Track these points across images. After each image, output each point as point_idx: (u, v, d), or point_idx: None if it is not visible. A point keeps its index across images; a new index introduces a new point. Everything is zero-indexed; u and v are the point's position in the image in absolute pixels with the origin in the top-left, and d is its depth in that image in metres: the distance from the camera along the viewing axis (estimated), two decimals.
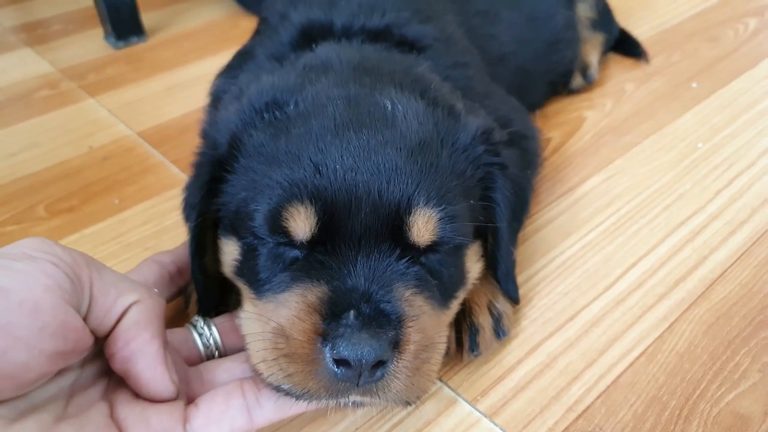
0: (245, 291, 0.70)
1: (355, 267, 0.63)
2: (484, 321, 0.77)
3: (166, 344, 0.65)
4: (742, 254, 0.94)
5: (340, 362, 0.58)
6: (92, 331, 0.61)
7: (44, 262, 0.57)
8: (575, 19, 1.29)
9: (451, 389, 0.76)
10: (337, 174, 0.64)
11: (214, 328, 0.75)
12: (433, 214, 0.64)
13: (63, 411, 0.59)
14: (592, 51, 1.37)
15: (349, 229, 0.63)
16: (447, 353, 0.76)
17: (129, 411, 0.61)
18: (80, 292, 0.59)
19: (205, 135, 0.75)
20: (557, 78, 1.27)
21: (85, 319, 0.60)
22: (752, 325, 0.83)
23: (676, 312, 0.85)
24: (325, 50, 0.82)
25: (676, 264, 0.92)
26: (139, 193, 1.13)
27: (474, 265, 0.75)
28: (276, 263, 0.66)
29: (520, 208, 0.84)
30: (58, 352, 0.55)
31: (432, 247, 0.66)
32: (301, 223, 0.63)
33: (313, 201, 0.63)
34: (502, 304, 0.80)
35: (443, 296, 0.68)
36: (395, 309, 0.61)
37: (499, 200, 0.74)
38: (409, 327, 0.62)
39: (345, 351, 0.57)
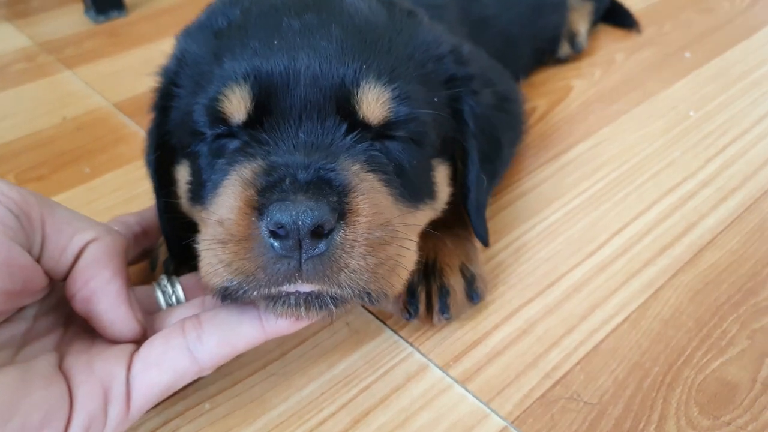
0: (199, 215, 0.65)
1: (296, 141, 0.58)
2: (456, 282, 0.73)
3: (128, 283, 0.62)
4: (733, 221, 0.90)
5: (276, 235, 0.53)
6: (48, 272, 0.58)
7: None
8: None
9: (422, 354, 0.72)
10: (274, 50, 0.60)
11: (178, 285, 0.71)
12: (385, 91, 0.60)
13: (11, 358, 0.56)
14: (580, 19, 1.32)
15: (288, 104, 0.59)
16: (417, 315, 0.72)
17: (76, 360, 0.58)
18: (29, 229, 0.56)
19: (160, 71, 0.73)
20: (543, 44, 1.23)
21: (39, 259, 0.57)
22: (741, 292, 0.79)
23: (662, 278, 0.81)
24: None
25: (663, 230, 0.89)
26: (111, 161, 1.09)
27: (444, 187, 0.71)
28: (216, 158, 0.62)
29: (493, 149, 0.78)
30: (5, 291, 0.53)
31: (387, 131, 0.62)
32: (236, 103, 0.60)
33: (247, 79, 0.59)
34: (477, 267, 0.76)
35: (409, 192, 0.63)
36: (339, 177, 0.56)
37: (466, 115, 0.69)
38: (356, 196, 0.56)
39: (278, 214, 0.51)
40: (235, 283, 0.55)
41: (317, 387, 0.69)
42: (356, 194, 0.56)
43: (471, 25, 1.03)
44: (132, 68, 1.40)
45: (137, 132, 1.17)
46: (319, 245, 0.53)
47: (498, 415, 0.65)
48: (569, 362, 0.71)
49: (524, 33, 1.16)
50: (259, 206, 0.54)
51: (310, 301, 0.57)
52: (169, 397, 0.64)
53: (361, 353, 0.72)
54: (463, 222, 0.79)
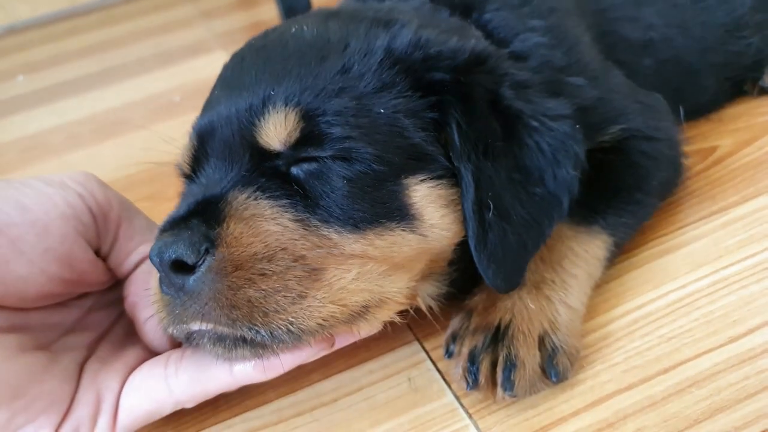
0: None
1: (206, 182, 0.60)
2: (527, 355, 0.61)
3: None
4: None
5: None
6: (113, 270, 0.65)
7: (73, 192, 0.60)
8: None
9: (478, 430, 0.62)
10: (212, 102, 0.65)
11: None
12: (290, 113, 0.57)
13: (50, 342, 0.62)
14: None
15: (210, 149, 0.61)
16: (476, 386, 0.63)
17: (92, 363, 0.63)
18: (103, 229, 0.62)
19: None
20: (738, 73, 1.01)
21: (106, 256, 0.64)
22: None
23: None
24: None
25: None
26: None
27: (434, 209, 0.61)
28: None
29: (547, 165, 0.63)
30: (61, 278, 0.59)
31: (300, 153, 0.58)
32: (185, 156, 0.64)
33: (191, 135, 0.64)
34: (563, 338, 0.63)
35: (338, 215, 0.57)
36: (212, 210, 0.55)
37: (452, 128, 0.60)
38: (227, 227, 0.54)
39: (150, 251, 0.54)
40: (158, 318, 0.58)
41: None
42: (228, 224, 0.54)
43: (628, 52, 0.88)
44: None
45: None
46: (189, 281, 0.53)
47: None
48: None
49: (709, 60, 0.96)
50: None
51: (220, 340, 0.55)
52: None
53: (412, 416, 0.65)
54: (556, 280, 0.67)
